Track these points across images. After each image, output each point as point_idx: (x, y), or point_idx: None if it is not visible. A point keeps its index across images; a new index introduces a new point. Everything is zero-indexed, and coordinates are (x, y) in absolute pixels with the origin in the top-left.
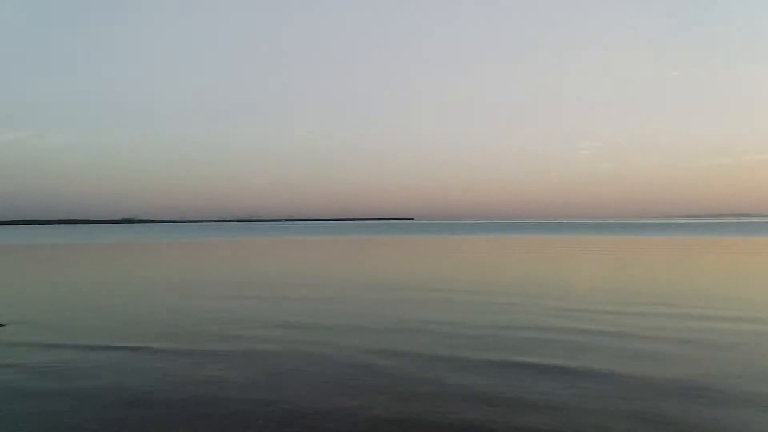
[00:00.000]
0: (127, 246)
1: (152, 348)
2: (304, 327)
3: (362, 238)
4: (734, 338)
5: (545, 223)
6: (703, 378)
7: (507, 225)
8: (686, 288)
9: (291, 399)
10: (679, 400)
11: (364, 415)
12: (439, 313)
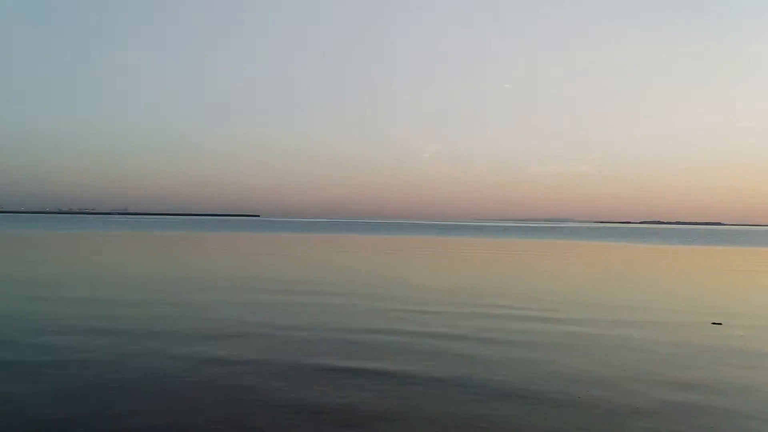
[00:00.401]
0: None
1: None
2: (116, 333)
3: (198, 235)
4: (537, 338)
5: (391, 223)
6: (520, 380)
7: (353, 224)
8: (508, 287)
9: (115, 415)
10: (502, 403)
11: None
12: (263, 315)
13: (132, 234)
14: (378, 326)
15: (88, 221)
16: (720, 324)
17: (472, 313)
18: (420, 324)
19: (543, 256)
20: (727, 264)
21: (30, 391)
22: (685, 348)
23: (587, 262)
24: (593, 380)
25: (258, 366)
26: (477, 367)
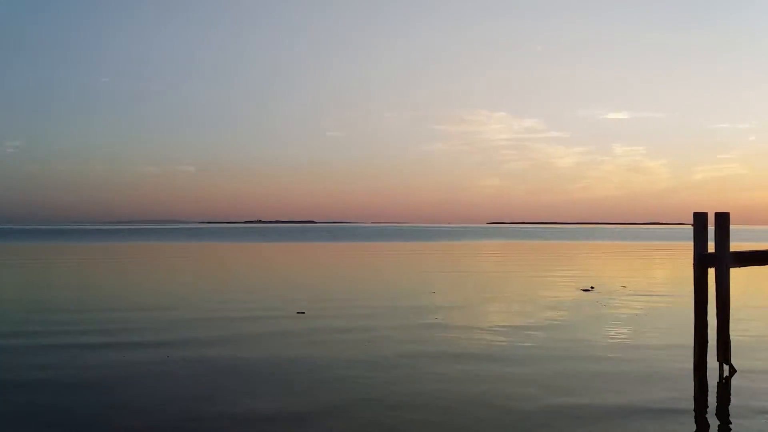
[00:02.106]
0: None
1: None
2: None
3: None
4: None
5: None
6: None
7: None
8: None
9: None
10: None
11: None
12: None
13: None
14: None
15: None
16: (303, 313)
17: None
18: None
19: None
20: (314, 258)
21: None
22: (279, 336)
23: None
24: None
25: None
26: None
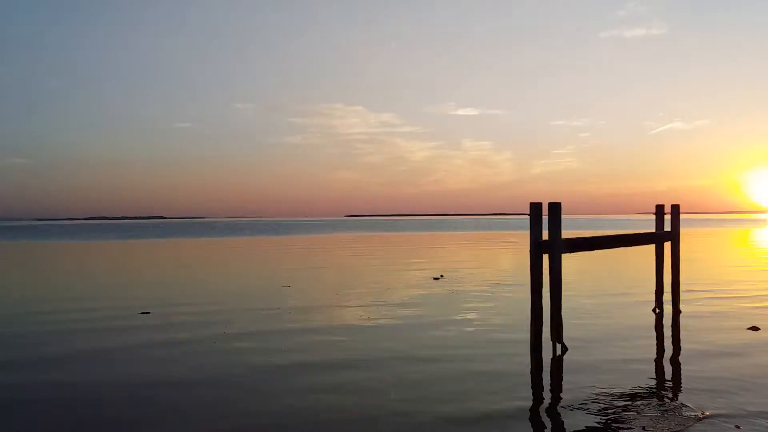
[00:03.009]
0: None
1: None
2: None
3: None
4: None
5: None
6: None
7: None
8: None
9: None
10: None
11: None
12: None
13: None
14: None
15: None
16: (148, 313)
17: None
18: None
19: None
20: (155, 256)
21: None
22: (114, 336)
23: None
24: None
25: None
26: None
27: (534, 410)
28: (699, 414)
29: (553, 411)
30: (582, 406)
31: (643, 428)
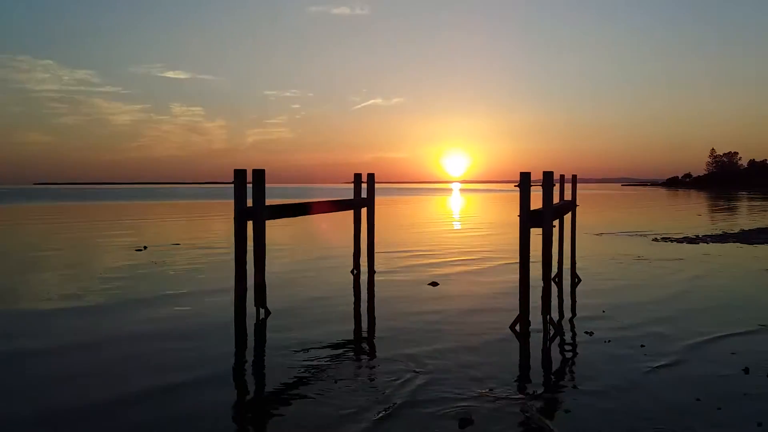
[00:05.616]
0: None
1: None
2: None
3: None
4: None
5: None
6: None
7: None
8: None
9: None
10: None
11: None
12: None
13: None
14: None
15: None
16: None
17: None
18: None
19: None
20: None
21: None
22: None
23: None
24: None
25: None
26: None
27: (237, 371)
28: (388, 355)
29: (257, 371)
30: (283, 363)
31: (338, 377)
